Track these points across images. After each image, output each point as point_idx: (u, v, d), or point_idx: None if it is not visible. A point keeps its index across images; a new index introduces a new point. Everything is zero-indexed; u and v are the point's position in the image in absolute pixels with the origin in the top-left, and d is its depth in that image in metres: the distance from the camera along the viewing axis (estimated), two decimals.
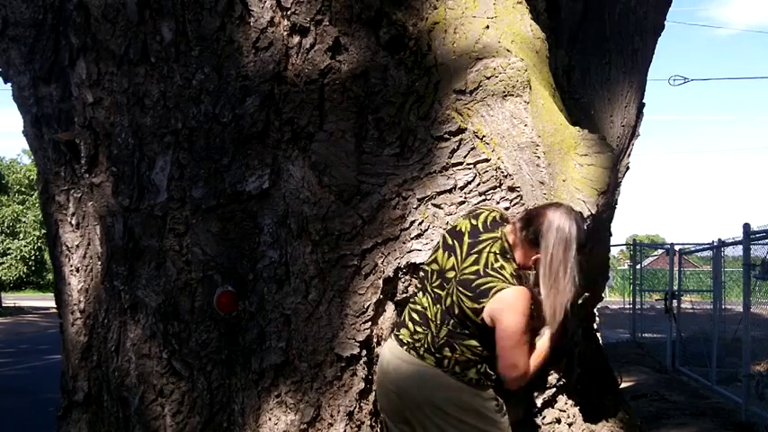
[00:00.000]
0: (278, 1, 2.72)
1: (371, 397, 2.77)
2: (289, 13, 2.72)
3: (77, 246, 3.20)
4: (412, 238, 2.73)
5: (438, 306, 2.50)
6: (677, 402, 7.72)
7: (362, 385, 2.74)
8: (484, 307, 2.40)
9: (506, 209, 2.68)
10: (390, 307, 2.79)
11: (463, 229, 2.54)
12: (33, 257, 33.99)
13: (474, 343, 2.47)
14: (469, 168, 2.71)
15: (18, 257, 33.65)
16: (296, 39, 2.73)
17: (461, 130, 2.71)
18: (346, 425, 2.72)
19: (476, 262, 2.46)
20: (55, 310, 3.54)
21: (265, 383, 2.78)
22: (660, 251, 18.78)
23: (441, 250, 2.56)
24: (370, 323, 2.73)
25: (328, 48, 2.73)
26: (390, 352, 2.60)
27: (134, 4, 2.81)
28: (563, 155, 2.73)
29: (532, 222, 2.45)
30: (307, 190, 2.76)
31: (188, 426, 2.85)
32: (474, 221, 2.55)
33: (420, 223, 2.72)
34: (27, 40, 3.15)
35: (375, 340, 2.76)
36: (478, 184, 2.70)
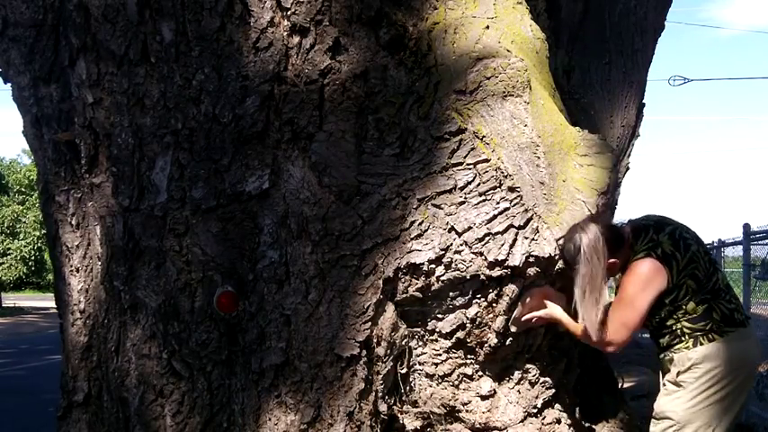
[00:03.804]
0: (278, 1, 2.72)
1: (371, 397, 2.77)
2: (289, 13, 2.72)
3: (77, 246, 3.20)
4: (412, 239, 2.72)
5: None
6: None
7: (362, 385, 2.74)
8: None
9: (506, 209, 2.68)
10: (390, 307, 2.78)
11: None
12: (33, 257, 33.95)
13: None
14: (469, 168, 2.70)
15: (18, 257, 33.62)
16: (296, 39, 2.73)
17: (461, 131, 2.71)
18: (346, 425, 2.72)
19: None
20: (55, 310, 3.54)
21: (265, 383, 2.78)
22: None
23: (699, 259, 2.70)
24: (370, 323, 2.73)
25: (328, 48, 2.73)
26: (751, 338, 2.73)
27: (134, 5, 2.81)
28: (563, 155, 2.73)
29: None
30: (307, 190, 2.76)
31: (188, 426, 2.85)
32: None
33: (420, 223, 2.72)
34: (27, 40, 3.15)
35: (375, 340, 2.75)
36: (478, 185, 2.70)
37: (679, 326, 2.66)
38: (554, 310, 2.73)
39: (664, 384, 2.76)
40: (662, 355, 2.75)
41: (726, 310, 2.66)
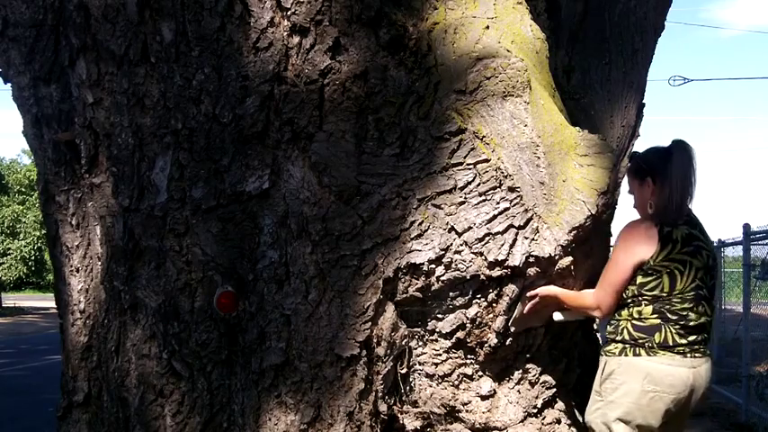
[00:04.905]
0: (278, 1, 2.72)
1: (371, 397, 2.77)
2: (289, 13, 2.72)
3: (77, 246, 3.20)
4: (412, 239, 2.73)
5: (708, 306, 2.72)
6: None
7: (362, 385, 2.74)
8: None
9: (506, 209, 2.68)
10: (390, 307, 2.79)
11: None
12: (33, 257, 34.00)
13: None
14: (469, 168, 2.70)
15: (18, 257, 33.66)
16: (296, 39, 2.73)
17: (461, 131, 2.71)
18: (346, 425, 2.72)
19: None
20: (55, 310, 3.54)
21: (265, 383, 2.78)
22: None
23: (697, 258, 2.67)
24: (370, 323, 2.73)
25: (328, 48, 2.73)
26: (684, 367, 2.63)
27: (134, 5, 2.81)
28: (563, 155, 2.73)
29: None
30: (307, 190, 2.76)
31: (188, 426, 2.86)
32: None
33: (420, 223, 2.72)
34: (27, 40, 3.15)
35: (375, 340, 2.76)
36: (478, 185, 2.70)
37: (623, 324, 2.65)
38: (549, 288, 2.72)
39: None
40: (601, 350, 2.77)
41: (671, 338, 2.63)
